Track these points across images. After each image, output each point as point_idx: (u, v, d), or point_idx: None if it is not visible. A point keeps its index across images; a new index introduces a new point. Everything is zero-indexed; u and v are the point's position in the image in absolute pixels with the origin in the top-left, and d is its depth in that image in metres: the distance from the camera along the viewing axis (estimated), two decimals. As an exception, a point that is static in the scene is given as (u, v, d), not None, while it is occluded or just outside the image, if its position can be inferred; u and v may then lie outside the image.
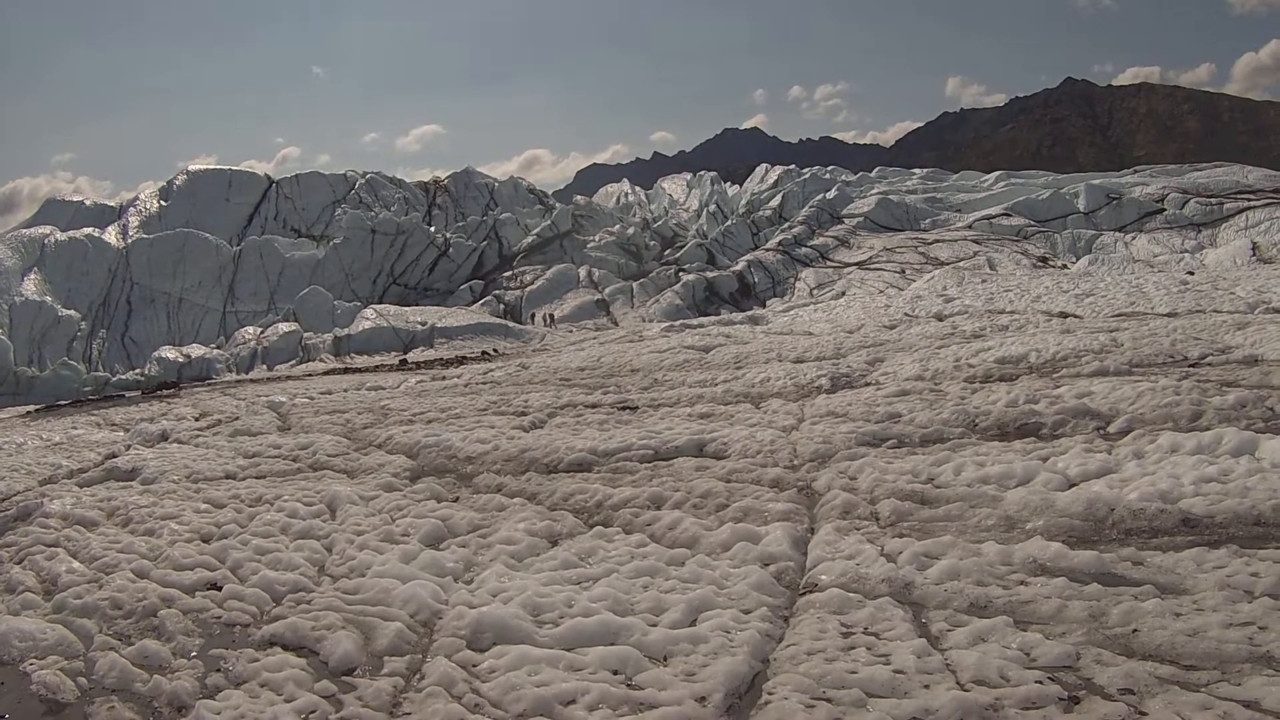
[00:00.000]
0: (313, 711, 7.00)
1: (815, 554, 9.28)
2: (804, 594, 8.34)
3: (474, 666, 7.42)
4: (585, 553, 10.04)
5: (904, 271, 74.15)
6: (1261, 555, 8.02)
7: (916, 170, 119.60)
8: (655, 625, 7.82)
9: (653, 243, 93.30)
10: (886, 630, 7.34)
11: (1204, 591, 7.44)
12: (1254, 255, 64.70)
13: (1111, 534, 9.19)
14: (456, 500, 12.96)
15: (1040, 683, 6.24)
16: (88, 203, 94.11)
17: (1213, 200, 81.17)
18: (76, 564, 10.99)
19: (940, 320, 38.53)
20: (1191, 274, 53.18)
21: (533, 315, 70.78)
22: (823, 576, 8.60)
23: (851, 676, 6.55)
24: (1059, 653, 6.64)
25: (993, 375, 19.79)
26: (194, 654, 8.18)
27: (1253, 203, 78.58)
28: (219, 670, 7.79)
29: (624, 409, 19.77)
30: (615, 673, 7.07)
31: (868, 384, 20.42)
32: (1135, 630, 6.91)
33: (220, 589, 9.75)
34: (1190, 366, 18.78)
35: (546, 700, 6.71)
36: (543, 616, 8.17)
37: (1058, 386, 16.93)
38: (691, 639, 7.48)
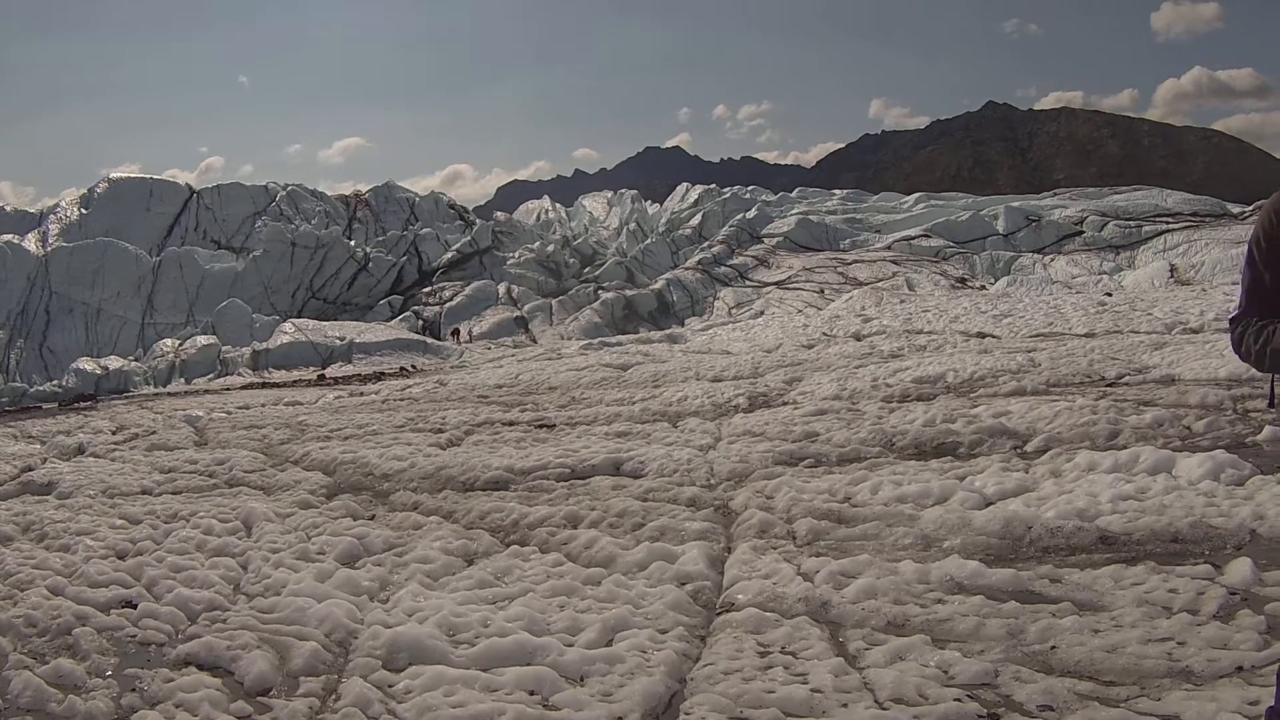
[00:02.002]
0: (227, 732, 6.91)
1: (732, 573, 9.25)
2: (721, 613, 8.30)
3: (390, 687, 7.32)
4: (501, 572, 9.96)
5: (823, 291, 74.58)
6: (1179, 572, 8.07)
7: (837, 191, 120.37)
8: (572, 645, 7.76)
9: (572, 260, 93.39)
10: (804, 649, 7.31)
11: (1122, 608, 7.46)
12: (1172, 277, 65.56)
13: (1029, 552, 9.22)
14: (373, 518, 12.86)
15: (959, 700, 6.22)
16: (8, 208, 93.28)
17: (1131, 223, 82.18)
18: (-11, 580, 10.83)
19: (858, 340, 38.74)
20: (1110, 295, 53.78)
21: (454, 331, 70.67)
22: (739, 596, 8.56)
23: (769, 696, 6.51)
24: (977, 670, 6.63)
25: (910, 395, 19.90)
26: (109, 673, 8.03)
27: (1171, 226, 79.65)
28: (134, 690, 7.64)
29: (541, 427, 19.74)
30: (532, 693, 7.00)
31: (785, 403, 20.48)
32: (1054, 647, 6.92)
33: (135, 607, 9.58)
34: (1108, 386, 18.98)
35: (463, 720, 6.65)
36: (459, 636, 8.08)
37: (975, 406, 17.02)
38: (608, 659, 7.42)
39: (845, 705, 6.35)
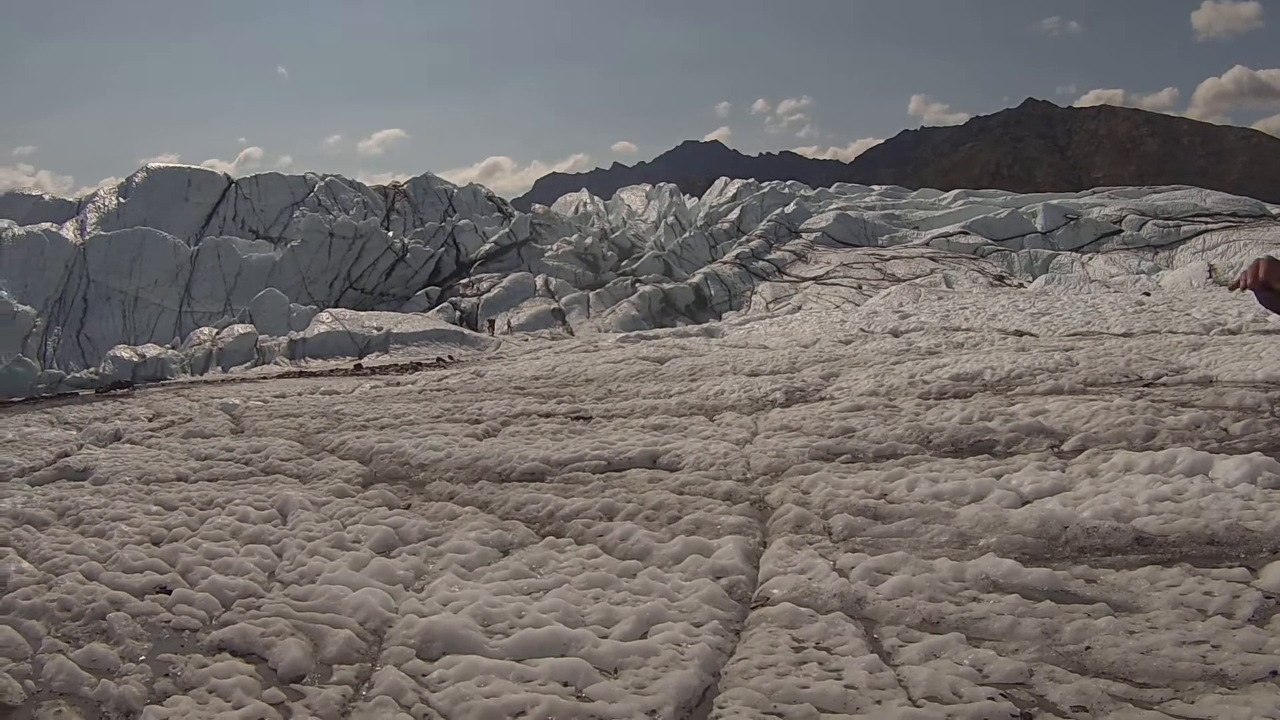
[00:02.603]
0: (261, 719, 6.93)
1: (767, 568, 9.24)
2: (755, 608, 8.30)
3: (423, 676, 7.35)
4: (536, 563, 9.98)
5: (860, 287, 74.32)
6: (1215, 574, 8.04)
7: (875, 187, 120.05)
8: (606, 637, 7.77)
9: (610, 253, 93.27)
10: (838, 645, 7.30)
11: (1157, 610, 7.44)
12: (1210, 277, 65.15)
13: (1064, 551, 9.19)
14: (408, 508, 12.87)
15: (993, 699, 6.21)
16: (46, 197, 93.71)
17: (1170, 222, 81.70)
18: (26, 564, 10.84)
19: (896, 336, 38.61)
20: (1148, 295, 53.46)
21: (490, 322, 70.68)
22: (774, 590, 8.56)
23: (803, 691, 6.51)
24: (1011, 669, 6.62)
25: (947, 392, 19.83)
26: (142, 658, 8.06)
27: (1210, 226, 79.16)
28: (167, 675, 7.67)
29: (578, 419, 19.72)
30: (565, 684, 7.01)
31: (822, 399, 20.43)
32: (1088, 648, 6.91)
33: (169, 593, 9.62)
34: (1145, 386, 18.87)
35: (496, 711, 6.64)
36: (493, 626, 8.10)
37: (1012, 404, 16.97)
38: (642, 651, 7.43)
39: (879, 702, 6.35)
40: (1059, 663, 6.75)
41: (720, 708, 6.48)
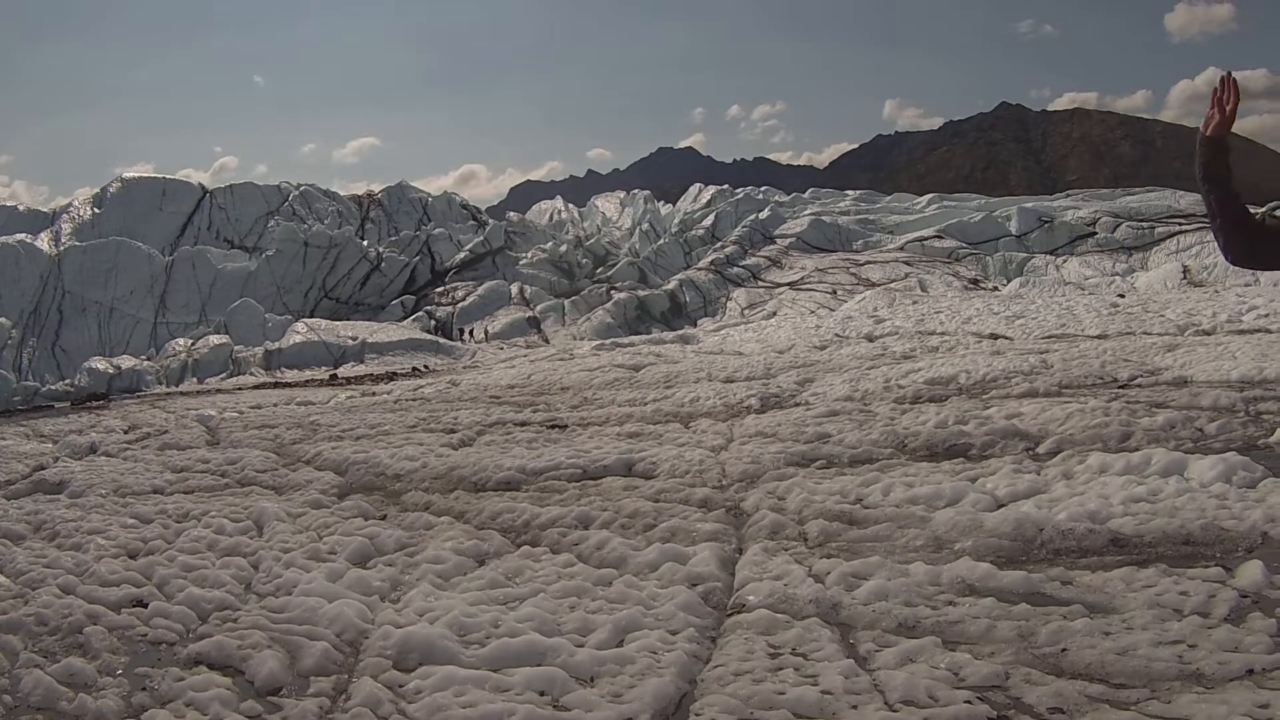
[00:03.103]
0: (237, 732, 6.90)
1: (743, 574, 9.22)
2: (731, 615, 8.28)
3: (400, 687, 7.31)
4: (512, 572, 9.94)
5: (835, 292, 74.54)
6: (1190, 574, 8.05)
7: (850, 192, 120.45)
8: (582, 646, 7.74)
9: (585, 260, 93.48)
10: (814, 651, 7.29)
11: (1133, 610, 7.44)
12: (1184, 278, 65.46)
13: (1040, 554, 9.20)
14: (384, 518, 12.82)
15: (969, 702, 6.20)
16: (21, 208, 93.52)
17: (1144, 224, 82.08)
18: (2, 578, 10.76)
19: (871, 341, 38.75)
20: (1122, 296, 53.63)
21: (470, 331, 70.65)
22: (750, 597, 8.54)
23: (779, 697, 6.49)
24: (988, 672, 6.61)
25: (922, 396, 19.88)
26: (119, 672, 8.01)
27: (1184, 227, 79.53)
28: (144, 689, 7.62)
29: (553, 427, 19.73)
30: (542, 694, 6.98)
31: (797, 404, 20.46)
32: (1064, 649, 6.90)
33: (146, 606, 9.56)
34: (1120, 388, 18.94)
35: (473, 721, 6.64)
36: (469, 636, 8.06)
37: (987, 408, 17.00)
38: (618, 660, 7.41)
39: (855, 707, 6.34)
40: (1035, 665, 6.75)
41: (697, 715, 6.46)
